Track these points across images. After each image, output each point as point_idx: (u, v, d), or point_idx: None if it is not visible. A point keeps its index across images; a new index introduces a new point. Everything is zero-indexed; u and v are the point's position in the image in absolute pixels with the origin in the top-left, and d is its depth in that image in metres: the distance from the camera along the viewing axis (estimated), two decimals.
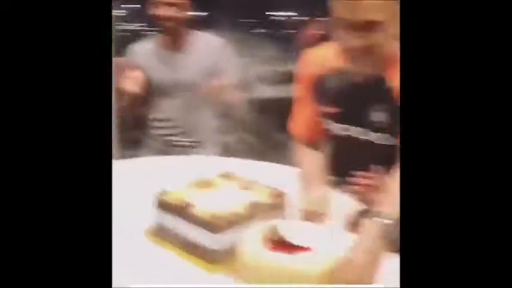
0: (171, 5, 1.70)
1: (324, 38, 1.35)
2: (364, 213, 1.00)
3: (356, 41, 1.01)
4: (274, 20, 3.14)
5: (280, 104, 2.61)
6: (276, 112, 2.43)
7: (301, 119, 1.31)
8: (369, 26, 1.00)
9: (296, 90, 1.30)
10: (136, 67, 1.69)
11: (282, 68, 2.90)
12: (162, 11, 1.71)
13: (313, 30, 2.70)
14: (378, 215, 0.89)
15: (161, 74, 1.79)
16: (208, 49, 1.82)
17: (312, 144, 1.29)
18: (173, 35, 1.77)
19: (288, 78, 2.84)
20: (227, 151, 1.94)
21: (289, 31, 3.12)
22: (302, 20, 3.10)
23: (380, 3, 0.99)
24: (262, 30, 3.07)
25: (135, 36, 2.12)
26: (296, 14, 3.14)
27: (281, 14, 3.13)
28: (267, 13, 3.13)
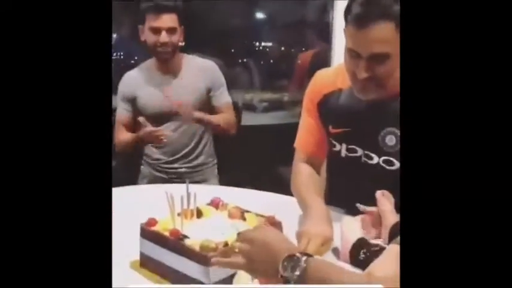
0: (166, 31, 1.72)
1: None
2: (362, 244, 0.91)
3: (363, 72, 1.01)
4: (259, 49, 3.27)
5: (267, 132, 2.61)
6: (264, 140, 2.41)
7: (306, 135, 1.28)
8: (375, 58, 1.00)
9: (304, 108, 1.28)
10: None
11: (267, 96, 2.96)
12: (156, 38, 1.73)
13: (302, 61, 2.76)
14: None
15: (157, 99, 1.80)
16: (200, 72, 1.83)
17: (315, 162, 1.27)
18: (167, 60, 1.78)
19: (271, 106, 2.87)
20: (224, 178, 1.92)
21: (273, 61, 3.23)
22: (287, 51, 3.22)
23: (386, 35, 0.98)
24: (247, 59, 3.18)
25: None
26: (281, 45, 3.26)
27: (266, 45, 3.25)
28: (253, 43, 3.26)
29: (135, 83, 1.83)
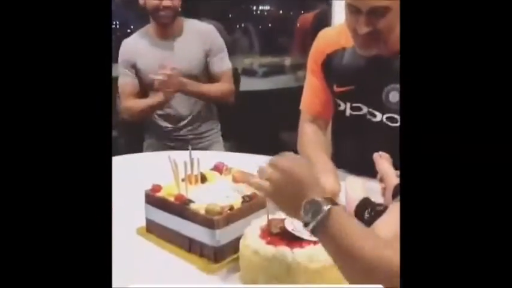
0: None
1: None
2: (366, 203, 0.92)
3: (363, 27, 1.01)
4: (257, 13, 3.19)
5: (267, 96, 2.58)
6: (265, 104, 2.39)
7: (311, 96, 1.28)
8: (375, 12, 0.99)
9: (308, 68, 1.28)
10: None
11: (266, 61, 2.90)
12: (157, 2, 1.70)
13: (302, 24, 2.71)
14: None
15: (157, 65, 1.75)
16: (200, 36, 1.80)
17: (320, 123, 1.28)
18: (167, 25, 1.76)
19: (271, 71, 2.83)
20: (227, 144, 1.92)
21: (271, 25, 3.18)
22: (285, 14, 3.15)
23: None
24: (245, 24, 3.12)
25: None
26: (279, 8, 3.19)
27: (264, 9, 3.17)
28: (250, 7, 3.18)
29: (135, 49, 1.80)
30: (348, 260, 0.65)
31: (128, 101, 1.79)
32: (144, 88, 1.80)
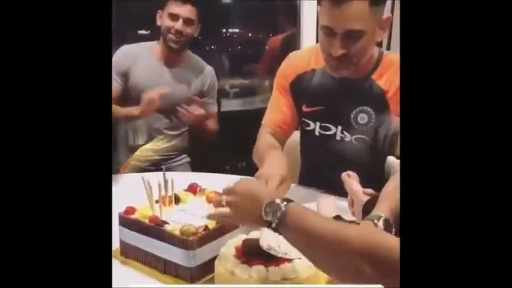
0: (184, 20, 1.73)
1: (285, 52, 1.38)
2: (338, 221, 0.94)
3: (338, 49, 1.04)
4: (226, 36, 3.29)
5: (239, 117, 2.63)
6: (238, 125, 2.44)
7: (275, 113, 1.29)
8: (350, 35, 1.02)
9: (275, 87, 1.31)
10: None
11: (237, 82, 2.98)
12: (172, 24, 1.73)
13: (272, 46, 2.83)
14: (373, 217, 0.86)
15: (149, 83, 1.78)
16: (200, 74, 1.85)
17: (278, 136, 1.28)
18: (174, 51, 1.78)
19: (242, 92, 2.91)
20: (199, 165, 1.93)
21: (240, 47, 3.28)
22: (254, 36, 3.27)
23: (360, 12, 1.00)
24: (214, 46, 3.21)
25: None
26: (248, 30, 3.31)
27: (233, 31, 3.28)
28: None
29: (132, 60, 1.80)
30: (313, 246, 0.68)
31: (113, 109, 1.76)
32: (125, 98, 1.80)
